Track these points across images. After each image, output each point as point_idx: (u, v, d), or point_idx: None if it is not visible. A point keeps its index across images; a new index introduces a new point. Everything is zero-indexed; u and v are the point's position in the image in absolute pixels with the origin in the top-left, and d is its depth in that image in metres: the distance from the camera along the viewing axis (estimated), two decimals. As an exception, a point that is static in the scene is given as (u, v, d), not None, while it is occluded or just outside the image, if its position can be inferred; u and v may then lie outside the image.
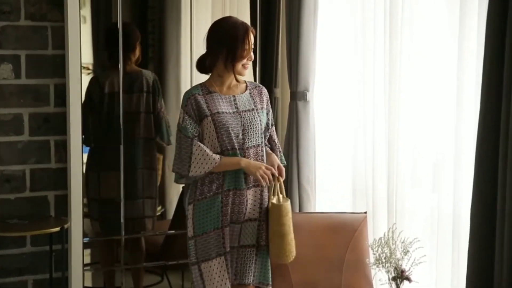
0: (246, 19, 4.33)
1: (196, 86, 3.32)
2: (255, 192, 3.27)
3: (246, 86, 3.34)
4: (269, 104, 3.38)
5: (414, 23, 3.73)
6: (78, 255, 3.89)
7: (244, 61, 3.23)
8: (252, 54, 3.26)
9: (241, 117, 3.24)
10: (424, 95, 3.73)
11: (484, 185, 3.18)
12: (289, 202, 3.29)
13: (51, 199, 3.98)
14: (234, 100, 3.28)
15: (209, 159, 3.17)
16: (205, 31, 4.32)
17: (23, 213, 3.91)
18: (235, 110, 3.25)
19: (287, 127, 4.14)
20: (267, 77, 4.34)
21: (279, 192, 3.28)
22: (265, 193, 3.29)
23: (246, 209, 3.24)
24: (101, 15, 4.20)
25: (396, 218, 3.76)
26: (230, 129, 3.21)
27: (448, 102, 3.59)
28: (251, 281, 3.28)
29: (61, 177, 3.96)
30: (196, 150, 3.19)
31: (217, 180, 3.22)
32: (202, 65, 3.29)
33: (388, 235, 3.41)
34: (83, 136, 3.92)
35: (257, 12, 4.29)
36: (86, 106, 4.00)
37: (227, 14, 4.43)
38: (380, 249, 3.39)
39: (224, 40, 3.20)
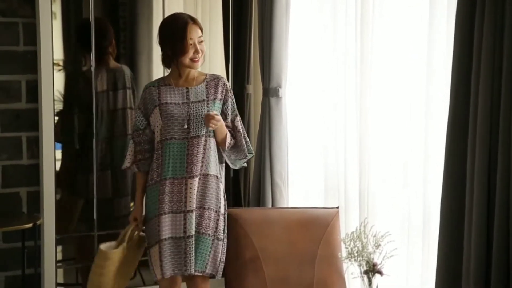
0: (219, 16, 4.35)
1: (156, 79, 3.47)
2: (195, 181, 3.32)
3: (205, 79, 3.41)
4: (228, 94, 3.43)
5: (385, 22, 3.78)
6: (51, 251, 3.88)
7: (190, 55, 3.28)
8: (199, 46, 3.29)
9: (188, 108, 3.33)
10: (395, 92, 3.78)
11: (453, 181, 3.24)
12: (119, 250, 3.34)
13: (24, 195, 3.96)
14: (187, 92, 3.36)
15: (126, 160, 3.40)
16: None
17: (-5, 209, 3.89)
18: (185, 101, 3.34)
19: (259, 123, 4.16)
20: (239, 73, 4.35)
21: (125, 239, 3.37)
22: (211, 183, 3.35)
23: (186, 197, 3.31)
24: (71, 11, 4.18)
25: (368, 213, 3.81)
26: (174, 118, 3.31)
27: (418, 100, 3.65)
28: (193, 272, 3.33)
29: (34, 174, 3.94)
30: (130, 146, 3.41)
31: (157, 168, 3.34)
32: (162, 64, 3.43)
33: (360, 229, 3.45)
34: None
35: (229, 9, 4.31)
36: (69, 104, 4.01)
37: (199, 11, 4.45)
38: (352, 243, 3.43)
39: (165, 37, 3.32)
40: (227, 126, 3.40)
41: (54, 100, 3.89)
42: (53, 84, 3.88)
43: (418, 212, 3.64)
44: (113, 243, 3.40)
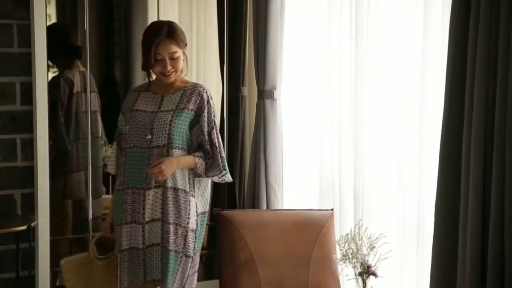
0: (213, 18, 4.35)
1: (144, 83, 3.41)
2: (156, 193, 3.21)
3: (183, 87, 3.28)
4: (204, 105, 3.25)
5: (380, 22, 3.79)
6: (45, 253, 3.87)
7: (159, 69, 3.20)
8: (170, 62, 3.17)
9: (155, 117, 3.23)
10: (390, 95, 3.79)
11: (448, 183, 3.24)
12: (73, 258, 3.36)
13: (18, 197, 3.94)
14: (161, 100, 3.28)
15: (111, 165, 3.39)
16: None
17: (-11, 211, 3.88)
18: (155, 109, 3.25)
19: (254, 125, 4.16)
20: (234, 75, 4.35)
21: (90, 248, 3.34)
22: (176, 197, 3.22)
23: (144, 209, 3.21)
24: (66, 13, 4.17)
25: (363, 215, 3.81)
26: (137, 127, 3.24)
27: (412, 102, 3.65)
28: (157, 278, 3.21)
29: (28, 176, 3.93)
30: (113, 150, 3.39)
31: (120, 176, 3.31)
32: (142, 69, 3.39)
33: (354, 231, 3.46)
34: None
35: (224, 11, 4.31)
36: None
37: (194, 13, 4.44)
38: (346, 245, 3.43)
39: (141, 45, 3.25)
40: (201, 143, 3.24)
41: (48, 102, 3.88)
42: (47, 86, 3.87)
43: (412, 214, 3.65)
44: (80, 254, 3.37)
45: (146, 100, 3.30)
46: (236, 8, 4.33)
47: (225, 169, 3.27)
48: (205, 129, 3.25)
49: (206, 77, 4.46)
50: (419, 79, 3.57)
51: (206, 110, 3.24)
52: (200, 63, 4.43)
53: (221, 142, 3.29)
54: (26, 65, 3.90)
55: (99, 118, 4.12)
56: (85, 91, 4.07)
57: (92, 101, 4.08)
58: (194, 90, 3.26)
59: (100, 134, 4.14)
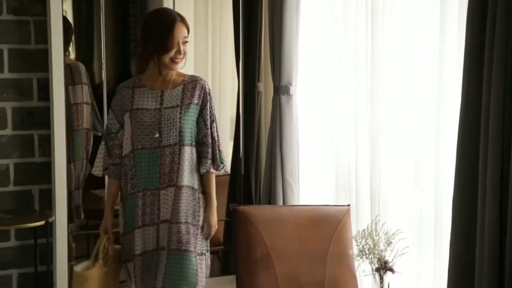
0: (229, 13, 4.35)
1: (131, 79, 3.27)
2: (170, 191, 3.16)
3: (183, 81, 3.23)
4: (207, 98, 3.24)
5: (396, 18, 3.76)
6: (63, 248, 3.90)
7: (172, 54, 3.12)
8: (182, 47, 3.14)
9: (160, 115, 3.15)
10: (406, 90, 3.76)
11: (465, 180, 3.22)
12: (95, 269, 3.22)
13: (36, 193, 3.97)
14: (161, 95, 3.18)
15: (97, 166, 3.27)
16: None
17: (8, 207, 3.91)
18: (158, 106, 3.16)
19: (270, 121, 4.16)
20: (250, 71, 4.35)
21: (100, 255, 3.24)
22: (185, 195, 3.18)
23: (159, 209, 3.16)
24: (82, 9, 4.19)
25: (379, 210, 3.80)
26: (144, 127, 3.14)
27: (429, 98, 3.63)
28: (160, 286, 3.17)
29: (45, 171, 3.96)
30: (100, 150, 3.27)
31: (131, 179, 3.18)
32: (140, 60, 3.29)
33: (371, 227, 3.45)
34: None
35: (239, 6, 4.31)
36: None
37: (209, 9, 4.44)
38: (363, 241, 3.42)
39: (149, 32, 3.14)
40: (205, 135, 3.23)
41: (65, 98, 3.89)
42: (64, 82, 3.88)
43: (430, 209, 3.63)
44: (88, 262, 3.27)
45: (145, 96, 3.18)
46: (251, 3, 4.33)
47: (222, 163, 3.27)
48: (208, 122, 3.23)
49: (222, 73, 4.46)
50: (436, 75, 3.54)
51: (208, 104, 3.24)
52: (215, 59, 4.43)
53: (219, 136, 3.29)
54: (42, 61, 3.92)
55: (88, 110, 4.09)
56: (74, 84, 4.05)
57: (80, 93, 4.06)
58: (195, 84, 3.23)
59: (88, 126, 4.11)
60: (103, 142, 3.27)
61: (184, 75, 3.26)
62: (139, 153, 3.15)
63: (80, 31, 4.18)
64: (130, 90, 3.21)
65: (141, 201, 3.16)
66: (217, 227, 3.26)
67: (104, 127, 3.30)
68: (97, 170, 3.28)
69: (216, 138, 3.26)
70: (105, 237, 3.27)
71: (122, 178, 3.23)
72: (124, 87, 3.23)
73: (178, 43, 3.12)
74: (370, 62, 3.83)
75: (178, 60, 3.15)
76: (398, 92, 3.79)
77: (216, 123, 3.28)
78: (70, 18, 4.08)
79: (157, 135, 3.14)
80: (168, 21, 3.11)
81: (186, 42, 3.17)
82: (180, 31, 3.13)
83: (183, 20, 3.16)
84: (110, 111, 3.24)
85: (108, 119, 3.26)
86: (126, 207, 3.21)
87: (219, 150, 3.26)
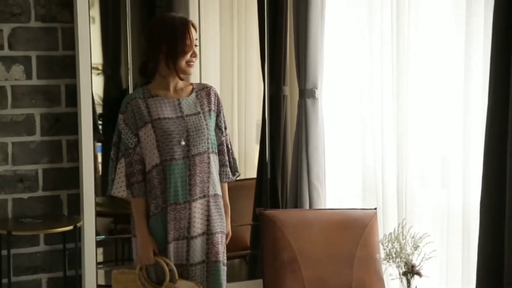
0: (254, 17, 4.36)
1: (138, 89, 3.09)
2: (202, 203, 3.05)
3: (193, 89, 3.12)
4: (221, 104, 3.16)
5: (421, 19, 3.74)
6: (91, 253, 3.92)
7: (188, 57, 3.00)
8: (196, 50, 3.04)
9: (185, 122, 3.02)
10: (432, 91, 3.74)
11: (493, 180, 3.19)
12: (131, 276, 3.04)
13: (64, 198, 4.01)
14: (179, 104, 3.05)
15: (120, 186, 3.03)
16: (213, 30, 4.37)
17: (37, 212, 3.95)
18: (179, 114, 3.03)
19: (296, 124, 4.15)
20: (275, 75, 4.35)
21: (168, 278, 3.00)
22: (218, 204, 3.10)
23: (190, 222, 3.02)
24: (109, 15, 4.23)
25: (406, 214, 3.78)
26: (171, 136, 3.00)
27: (456, 98, 3.60)
28: None
29: (73, 176, 3.99)
30: (119, 169, 3.03)
31: (162, 194, 3.02)
32: (145, 68, 3.09)
33: (398, 230, 3.43)
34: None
35: (264, 10, 4.31)
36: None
37: (235, 14, 4.46)
38: (390, 245, 3.40)
39: (162, 36, 2.99)
40: (221, 143, 3.13)
41: (93, 103, 3.93)
42: (91, 87, 3.92)
43: (457, 212, 3.60)
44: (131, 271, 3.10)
45: (162, 106, 3.04)
46: (276, 6, 4.33)
47: (237, 171, 3.21)
48: (223, 129, 3.15)
49: (248, 77, 4.47)
50: (462, 76, 3.52)
51: (222, 110, 3.16)
52: (241, 63, 4.44)
53: (231, 144, 3.23)
54: (70, 68, 3.96)
55: None
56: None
57: None
58: (209, 91, 3.13)
59: None
60: (122, 160, 3.04)
61: (191, 83, 3.16)
62: (169, 164, 2.99)
63: (107, 37, 4.22)
64: (142, 101, 3.03)
65: (172, 216, 3.00)
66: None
67: (114, 141, 3.08)
68: (120, 191, 3.04)
69: (230, 145, 3.20)
70: (143, 263, 3.04)
71: (148, 194, 3.04)
72: (134, 98, 3.04)
73: (192, 46, 3.03)
74: (396, 64, 3.81)
75: (193, 63, 3.05)
76: (424, 93, 3.77)
77: (227, 129, 3.21)
78: (97, 24, 4.12)
79: (183, 143, 3.01)
80: (183, 24, 3.00)
81: (197, 45, 3.08)
82: (194, 33, 3.04)
83: (192, 22, 3.07)
84: (122, 125, 3.04)
85: (123, 134, 3.04)
86: (156, 224, 3.04)
87: (233, 158, 3.20)
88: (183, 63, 3.01)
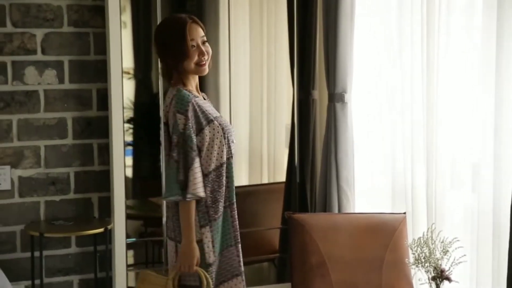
0: (283, 21, 4.37)
1: (180, 89, 2.91)
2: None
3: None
4: None
5: (452, 21, 3.71)
6: (122, 255, 3.96)
7: (195, 58, 2.87)
8: (203, 48, 2.89)
9: (227, 123, 3.02)
10: (463, 94, 3.71)
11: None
12: (162, 278, 2.95)
13: (95, 200, 4.06)
14: (211, 104, 3.03)
15: (200, 187, 2.87)
16: (243, 34, 4.39)
17: (68, 214, 4.00)
18: (219, 114, 2.99)
19: (325, 129, 4.15)
20: (304, 79, 4.36)
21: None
22: None
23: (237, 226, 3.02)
24: (141, 20, 4.27)
25: (436, 218, 3.75)
26: (229, 135, 2.96)
27: (487, 101, 3.57)
28: None
29: (104, 179, 4.04)
30: (196, 171, 2.85)
31: (227, 193, 2.96)
32: (167, 73, 2.98)
33: (427, 235, 3.41)
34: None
35: (294, 13, 4.32)
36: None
37: (264, 18, 4.46)
38: (419, 249, 3.38)
39: (164, 42, 2.90)
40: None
41: (123, 107, 3.97)
42: (122, 92, 3.96)
43: (488, 217, 3.56)
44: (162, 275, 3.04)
45: (207, 105, 2.98)
46: (306, 10, 4.33)
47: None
48: None
49: (277, 81, 4.48)
50: (493, 79, 3.48)
51: None
52: (271, 67, 4.46)
53: None
54: (101, 72, 4.01)
55: None
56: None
57: None
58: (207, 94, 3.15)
59: None
60: (196, 160, 2.86)
61: None
62: (230, 162, 2.95)
63: (138, 41, 4.26)
64: (196, 99, 2.92)
65: (235, 216, 2.98)
66: None
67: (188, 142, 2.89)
68: (200, 192, 2.86)
69: None
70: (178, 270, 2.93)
71: (208, 196, 2.92)
72: (193, 96, 2.91)
73: (198, 45, 2.88)
74: (426, 67, 3.79)
75: (204, 62, 2.89)
76: (454, 96, 3.74)
77: None
78: (129, 28, 4.17)
79: (234, 141, 3.00)
80: (179, 25, 2.85)
81: (205, 41, 2.91)
82: (195, 31, 2.87)
83: (194, 20, 2.90)
84: (188, 126, 2.85)
85: (188, 135, 2.86)
86: (216, 229, 2.95)
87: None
88: (191, 65, 2.89)
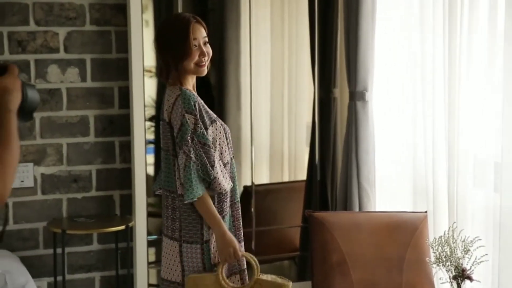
0: (305, 19, 4.37)
1: (182, 88, 2.88)
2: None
3: None
4: None
5: (474, 17, 3.68)
6: (143, 253, 3.99)
7: (196, 58, 2.85)
8: (205, 49, 2.87)
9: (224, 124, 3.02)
10: (485, 92, 3.68)
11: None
12: (211, 276, 2.88)
13: (116, 198, 4.09)
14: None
15: (226, 179, 2.91)
16: (264, 33, 4.39)
17: (90, 212, 4.03)
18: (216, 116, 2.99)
19: (346, 127, 4.14)
20: (325, 77, 4.35)
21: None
22: None
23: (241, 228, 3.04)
24: (162, 18, 4.28)
25: (457, 217, 3.73)
26: (229, 135, 2.99)
27: (509, 100, 3.54)
28: None
29: (126, 177, 4.06)
30: (218, 164, 2.88)
31: (231, 191, 2.97)
32: (165, 72, 2.93)
33: (448, 233, 3.39)
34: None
35: (315, 12, 4.32)
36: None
37: (285, 16, 4.46)
38: (440, 248, 3.36)
39: (165, 40, 2.89)
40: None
41: (144, 106, 3.99)
42: (144, 90, 3.98)
43: (510, 217, 3.54)
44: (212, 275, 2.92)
45: (206, 106, 2.97)
46: (327, 9, 4.32)
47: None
48: None
49: (298, 79, 4.48)
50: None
51: None
52: (292, 65, 4.46)
53: None
54: (123, 70, 4.04)
55: None
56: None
57: None
58: None
59: None
60: (216, 155, 2.90)
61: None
62: (232, 163, 2.99)
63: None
64: (198, 99, 2.92)
65: (238, 214, 3.01)
66: None
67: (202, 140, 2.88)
68: (227, 186, 2.92)
69: None
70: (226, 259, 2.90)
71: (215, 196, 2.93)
72: (196, 96, 2.92)
73: (199, 45, 2.86)
74: (448, 65, 3.76)
75: (204, 63, 2.88)
76: (476, 95, 3.71)
77: None
78: (151, 27, 4.18)
79: (231, 143, 3.03)
80: (182, 24, 2.84)
81: (207, 42, 2.90)
82: (198, 31, 2.86)
83: (198, 20, 2.89)
84: (198, 125, 2.85)
85: (203, 131, 2.86)
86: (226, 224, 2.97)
87: None
88: (191, 65, 2.86)
